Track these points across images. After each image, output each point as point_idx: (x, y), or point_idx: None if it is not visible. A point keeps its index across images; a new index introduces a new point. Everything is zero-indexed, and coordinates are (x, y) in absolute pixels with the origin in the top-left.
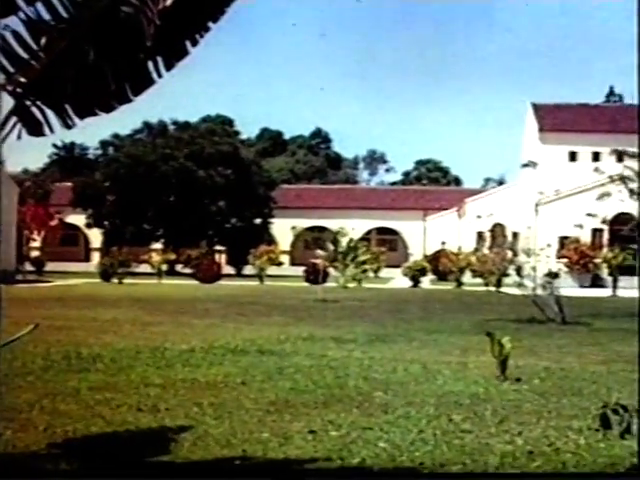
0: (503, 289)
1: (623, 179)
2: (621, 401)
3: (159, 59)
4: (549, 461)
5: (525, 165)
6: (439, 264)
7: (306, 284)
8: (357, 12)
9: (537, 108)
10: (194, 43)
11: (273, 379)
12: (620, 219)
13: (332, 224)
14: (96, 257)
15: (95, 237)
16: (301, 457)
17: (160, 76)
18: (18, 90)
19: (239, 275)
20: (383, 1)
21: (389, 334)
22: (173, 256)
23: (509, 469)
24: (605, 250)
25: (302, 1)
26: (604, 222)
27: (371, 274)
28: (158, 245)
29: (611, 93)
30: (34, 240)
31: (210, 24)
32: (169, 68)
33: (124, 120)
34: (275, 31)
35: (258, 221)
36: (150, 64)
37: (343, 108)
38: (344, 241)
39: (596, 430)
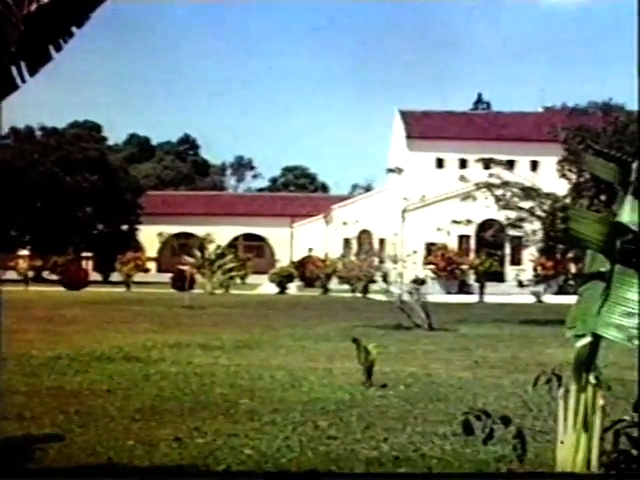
0: (370, 295)
1: (489, 186)
2: (487, 406)
3: (22, 64)
4: (415, 467)
5: (391, 170)
6: (306, 270)
7: (173, 291)
8: (223, 18)
9: (404, 115)
10: (58, 48)
11: (139, 386)
12: (486, 226)
13: (199, 230)
14: None
15: None
16: (167, 464)
17: (24, 81)
18: None
19: (106, 282)
20: (246, 6)
21: (256, 341)
22: (40, 262)
23: (374, 475)
24: (472, 256)
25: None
26: (468, 222)
27: (238, 280)
28: (25, 251)
29: (479, 100)
30: None
31: (74, 29)
32: (32, 73)
33: None
34: (149, 35)
35: (125, 227)
36: (14, 69)
37: (210, 114)
38: (211, 248)
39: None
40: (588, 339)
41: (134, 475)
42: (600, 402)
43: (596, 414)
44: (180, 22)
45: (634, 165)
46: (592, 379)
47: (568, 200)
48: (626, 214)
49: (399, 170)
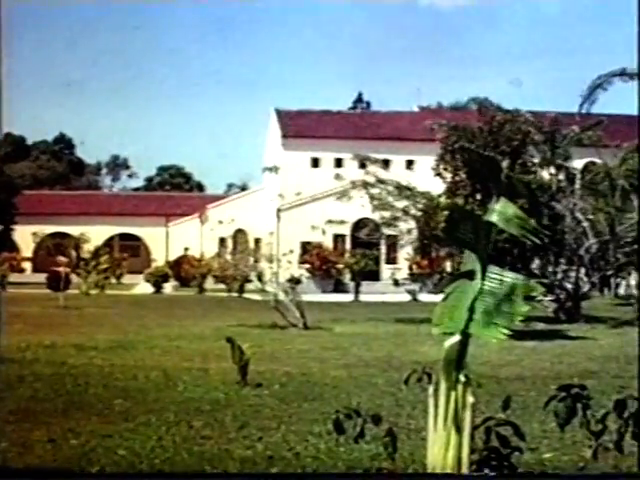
0: (245, 295)
1: (365, 185)
2: (361, 405)
3: None
4: (289, 466)
5: (267, 169)
6: (181, 270)
7: (49, 291)
8: (103, 17)
9: (280, 114)
10: None
11: (13, 387)
12: (361, 225)
13: (74, 230)
14: None
15: None
16: (41, 466)
17: None
18: None
19: None
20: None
21: (130, 341)
22: None
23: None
24: (347, 255)
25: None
26: (343, 222)
27: (113, 280)
28: None
29: (359, 100)
30: None
31: None
32: None
33: None
34: (20, 31)
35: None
36: None
37: (85, 113)
38: (86, 247)
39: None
40: (457, 337)
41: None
42: (470, 400)
43: (466, 412)
44: (52, 18)
45: (504, 164)
46: (462, 377)
47: (443, 199)
48: (497, 213)
49: (275, 169)
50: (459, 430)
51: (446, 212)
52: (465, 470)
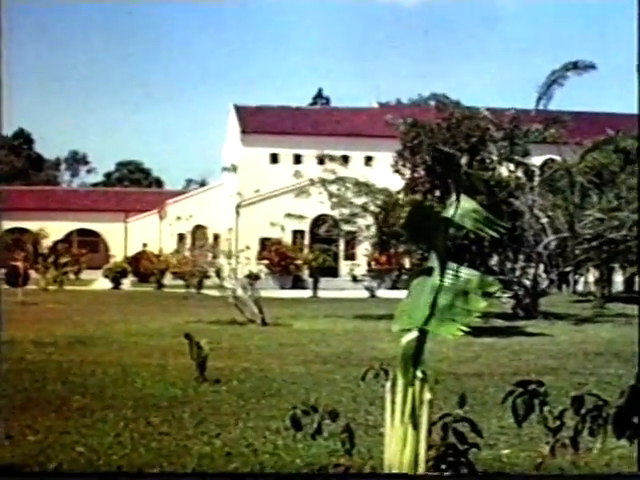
0: (204, 291)
1: (323, 182)
2: (319, 401)
3: None
4: (247, 462)
5: (225, 169)
6: (140, 266)
7: (6, 287)
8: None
9: (239, 110)
10: None
11: None
12: (320, 221)
13: (33, 226)
14: None
15: None
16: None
17: None
18: None
19: None
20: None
21: (89, 336)
22: None
23: (207, 471)
24: (306, 252)
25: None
26: (302, 217)
27: (72, 276)
28: None
29: (319, 95)
30: None
31: None
32: None
33: None
34: None
35: None
36: None
37: (44, 108)
38: (45, 243)
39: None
40: (415, 334)
41: None
42: (427, 396)
43: (423, 408)
44: (14, 14)
45: (463, 160)
46: (419, 373)
47: (402, 195)
48: (455, 209)
49: (233, 167)
50: (416, 426)
51: (405, 208)
52: (422, 466)
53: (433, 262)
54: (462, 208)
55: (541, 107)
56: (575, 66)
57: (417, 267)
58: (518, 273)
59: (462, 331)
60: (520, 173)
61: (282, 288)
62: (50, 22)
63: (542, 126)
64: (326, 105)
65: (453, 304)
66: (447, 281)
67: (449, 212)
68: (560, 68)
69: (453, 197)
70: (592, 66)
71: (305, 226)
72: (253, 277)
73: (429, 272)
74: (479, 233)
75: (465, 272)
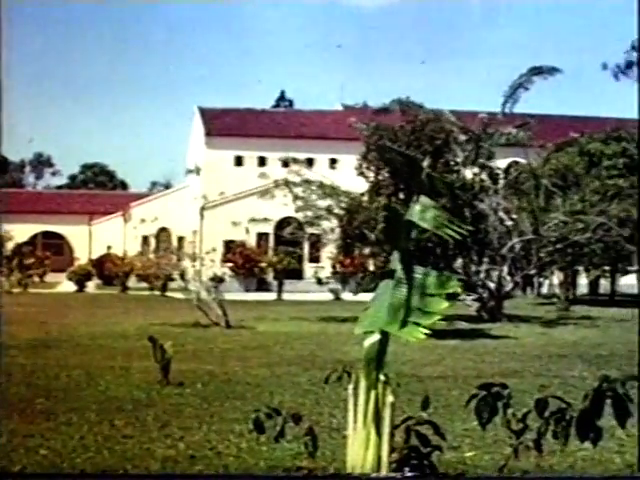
0: (168, 294)
1: (288, 184)
2: (284, 404)
3: None
4: (211, 465)
5: (190, 172)
6: (104, 268)
7: None
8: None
9: (204, 112)
10: None
11: None
12: (285, 223)
13: None
14: None
15: None
16: None
17: None
18: None
19: None
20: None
21: (53, 339)
22: None
23: (171, 473)
24: (270, 254)
25: None
26: (267, 220)
27: (37, 279)
28: None
29: (282, 98)
30: None
31: None
32: None
33: None
34: None
35: None
36: None
37: (8, 109)
38: (9, 245)
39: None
40: (377, 337)
41: None
42: (390, 399)
43: (386, 411)
44: None
45: (425, 163)
46: (382, 376)
47: (366, 198)
48: (417, 212)
49: (197, 170)
50: (379, 429)
51: (370, 212)
52: (385, 469)
53: (396, 265)
54: (422, 209)
55: (507, 110)
56: (541, 71)
57: (381, 269)
58: (482, 275)
59: (423, 334)
60: (485, 176)
61: (247, 291)
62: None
63: (515, 130)
64: (289, 107)
65: (415, 306)
66: (409, 283)
67: (410, 214)
68: (526, 72)
69: (414, 199)
70: (557, 70)
71: (270, 228)
72: (217, 280)
73: (391, 275)
74: (441, 234)
75: (426, 273)
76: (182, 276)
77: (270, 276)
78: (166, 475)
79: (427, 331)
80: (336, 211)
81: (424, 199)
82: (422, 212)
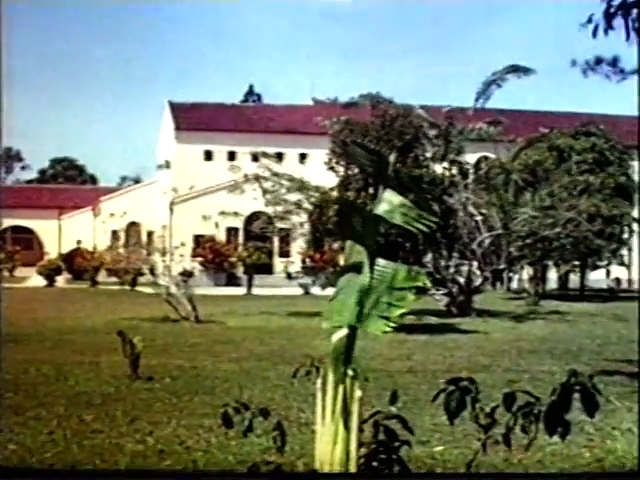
0: (138, 288)
1: (258, 178)
2: (253, 399)
3: None
4: (180, 460)
5: (160, 166)
6: (74, 263)
7: None
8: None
9: (174, 107)
10: None
11: None
12: (254, 218)
13: None
14: None
15: None
16: None
17: None
18: None
19: None
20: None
21: (22, 334)
22: None
23: (140, 469)
24: (240, 249)
25: None
26: (236, 214)
27: (6, 273)
28: None
29: (250, 92)
30: None
31: None
32: None
33: None
34: None
35: None
36: None
37: None
38: None
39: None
40: (345, 331)
41: None
42: (358, 393)
43: (354, 406)
44: None
45: (392, 158)
46: (350, 371)
47: (335, 193)
48: (384, 206)
49: (167, 164)
50: (347, 424)
51: (337, 206)
52: (353, 464)
53: (362, 258)
54: (389, 203)
55: (479, 106)
56: (516, 69)
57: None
58: (452, 270)
59: (390, 327)
60: (454, 170)
61: (216, 285)
62: None
63: (485, 125)
64: (258, 102)
65: (382, 300)
66: (376, 277)
67: (377, 208)
68: (500, 70)
69: (381, 193)
70: (530, 70)
71: (239, 223)
72: (187, 274)
73: (358, 269)
74: (408, 228)
75: (393, 267)
76: (152, 271)
77: (240, 271)
78: (135, 471)
79: (394, 324)
80: (305, 206)
81: (389, 192)
82: (388, 204)
